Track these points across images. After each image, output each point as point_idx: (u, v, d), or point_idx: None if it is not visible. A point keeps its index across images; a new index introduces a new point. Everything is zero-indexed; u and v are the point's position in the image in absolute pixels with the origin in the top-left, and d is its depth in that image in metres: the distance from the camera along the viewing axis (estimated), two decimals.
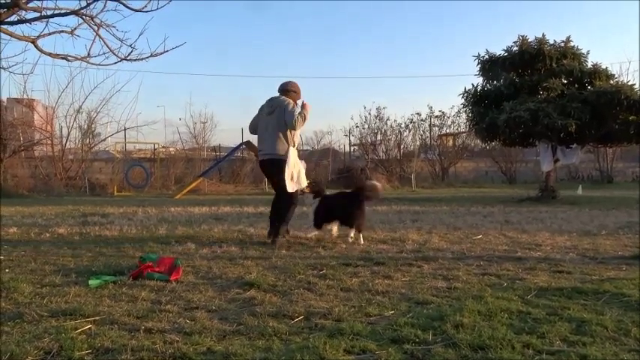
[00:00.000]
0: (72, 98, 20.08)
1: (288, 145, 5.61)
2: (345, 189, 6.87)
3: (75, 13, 4.83)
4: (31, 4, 4.79)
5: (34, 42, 4.92)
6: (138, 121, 24.95)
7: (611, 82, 12.42)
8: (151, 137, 30.05)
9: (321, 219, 5.80)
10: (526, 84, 12.55)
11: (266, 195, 14.77)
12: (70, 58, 5.26)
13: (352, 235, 5.69)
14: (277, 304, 3.22)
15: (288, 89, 5.82)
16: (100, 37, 5.02)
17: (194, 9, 54.14)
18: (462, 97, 13.62)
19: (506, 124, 11.81)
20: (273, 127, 5.62)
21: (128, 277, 3.85)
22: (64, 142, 19.06)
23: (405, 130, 23.95)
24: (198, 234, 6.34)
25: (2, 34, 4.82)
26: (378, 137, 23.67)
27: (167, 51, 5.22)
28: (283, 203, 5.71)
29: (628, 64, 46.79)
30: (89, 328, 2.69)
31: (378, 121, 23.34)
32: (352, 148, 25.32)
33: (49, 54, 5.12)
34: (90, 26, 4.98)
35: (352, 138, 24.40)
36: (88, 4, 4.85)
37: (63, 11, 4.84)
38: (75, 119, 19.05)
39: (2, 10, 4.66)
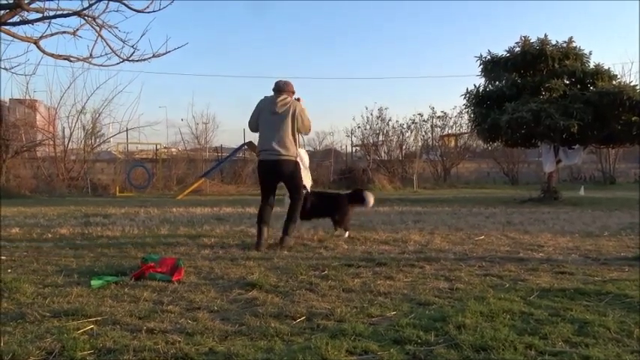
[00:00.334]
0: (74, 99, 20.21)
1: (297, 146, 5.60)
2: (346, 189, 6.94)
3: (77, 13, 4.83)
4: (33, 5, 4.79)
5: (36, 43, 4.92)
6: (140, 122, 24.93)
7: (614, 82, 12.36)
8: (152, 138, 30.12)
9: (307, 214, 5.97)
10: (528, 85, 12.51)
11: None
12: (72, 58, 5.25)
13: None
14: (279, 304, 3.22)
15: (287, 90, 5.71)
16: (102, 37, 5.02)
17: (196, 10, 54.18)
18: (464, 98, 13.58)
19: (509, 124, 11.77)
20: (285, 127, 5.44)
21: (130, 278, 3.86)
22: (66, 142, 19.10)
23: (406, 131, 23.92)
24: (200, 234, 6.34)
25: (4, 35, 4.82)
26: (380, 138, 23.63)
27: (169, 51, 5.19)
28: (296, 203, 5.61)
29: (630, 65, 46.44)
30: (91, 329, 2.69)
31: (379, 121, 23.32)
32: (354, 149, 25.32)
33: (52, 55, 5.11)
34: (92, 27, 4.97)
35: (354, 139, 24.39)
36: (91, 5, 4.85)
37: (65, 12, 4.83)
38: (77, 120, 19.11)
39: (4, 11, 4.67)
